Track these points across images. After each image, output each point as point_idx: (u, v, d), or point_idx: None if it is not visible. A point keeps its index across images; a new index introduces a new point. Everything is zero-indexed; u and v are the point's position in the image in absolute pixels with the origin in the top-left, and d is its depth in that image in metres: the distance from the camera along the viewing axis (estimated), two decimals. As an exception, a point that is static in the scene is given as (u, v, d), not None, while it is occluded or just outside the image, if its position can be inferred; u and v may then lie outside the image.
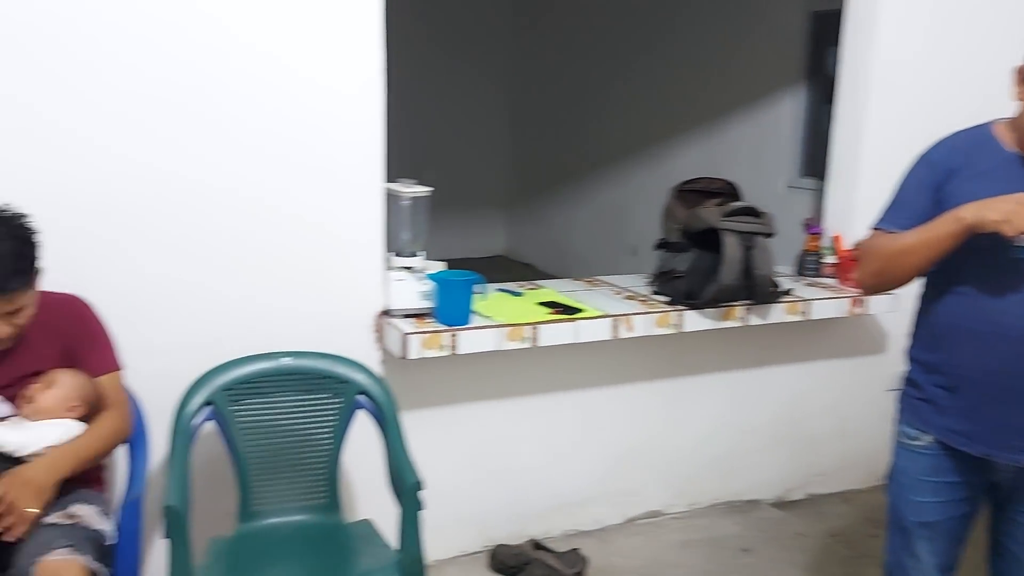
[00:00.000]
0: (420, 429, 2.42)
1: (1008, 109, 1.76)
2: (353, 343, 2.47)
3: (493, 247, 7.41)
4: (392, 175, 2.54)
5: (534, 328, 2.54)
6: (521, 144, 7.19)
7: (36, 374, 1.89)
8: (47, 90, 2.11)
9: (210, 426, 2.20)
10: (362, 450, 2.36)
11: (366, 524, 2.26)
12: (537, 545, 2.79)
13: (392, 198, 2.53)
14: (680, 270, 2.81)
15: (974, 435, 1.76)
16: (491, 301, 2.67)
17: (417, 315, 2.52)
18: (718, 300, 2.72)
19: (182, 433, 2.09)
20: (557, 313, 2.64)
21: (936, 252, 1.68)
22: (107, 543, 1.87)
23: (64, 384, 1.88)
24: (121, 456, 2.10)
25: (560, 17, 6.50)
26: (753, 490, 3.30)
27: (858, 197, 3.15)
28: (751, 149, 4.75)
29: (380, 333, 2.54)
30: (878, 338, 3.37)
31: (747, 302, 2.79)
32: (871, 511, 3.28)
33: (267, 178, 2.36)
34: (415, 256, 2.55)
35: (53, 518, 1.79)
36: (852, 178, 3.18)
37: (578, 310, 2.67)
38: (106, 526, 1.89)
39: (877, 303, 3.02)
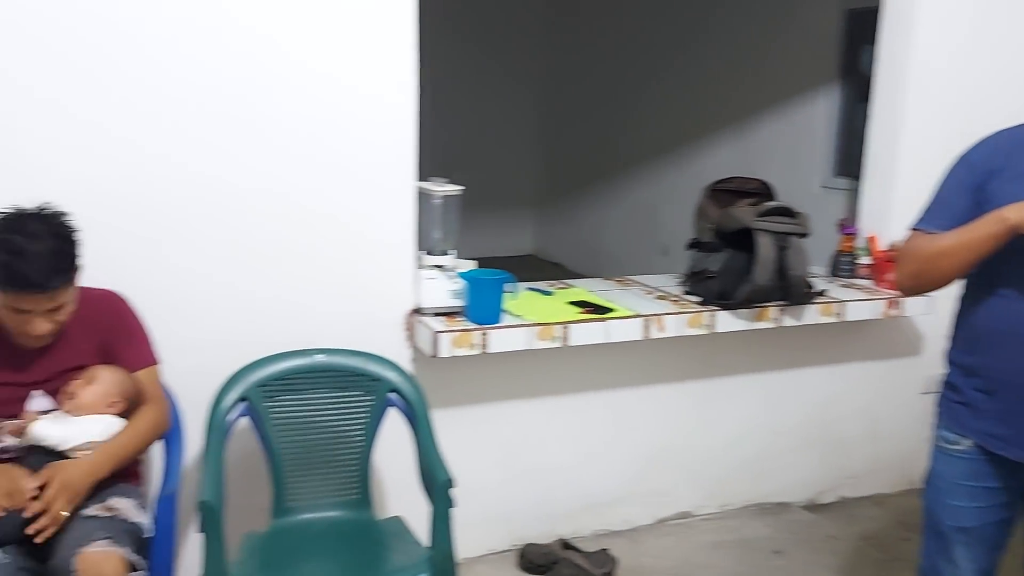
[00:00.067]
0: (450, 427, 2.43)
1: (1051, 108, 1.73)
2: (384, 341, 2.49)
3: (522, 246, 7.41)
4: (423, 174, 2.55)
5: (565, 328, 2.54)
6: (551, 143, 7.19)
7: (75, 369, 1.92)
8: (89, 93, 2.15)
9: (244, 422, 2.23)
10: (393, 448, 2.38)
11: (397, 521, 2.27)
12: (566, 545, 2.79)
13: (424, 197, 2.54)
14: (713, 270, 2.80)
15: (1013, 439, 1.73)
16: (522, 300, 2.67)
17: (448, 314, 2.53)
18: (751, 301, 2.70)
19: (217, 429, 2.11)
20: (588, 313, 2.64)
21: (977, 254, 1.66)
22: (144, 536, 1.90)
23: (104, 380, 1.91)
24: (157, 451, 2.13)
25: (592, 16, 6.48)
26: (784, 492, 3.27)
27: (894, 197, 3.12)
28: (784, 148, 4.70)
29: (411, 331, 2.55)
30: (913, 340, 3.33)
31: (781, 303, 2.77)
32: (904, 515, 3.25)
33: (301, 179, 2.38)
34: (446, 255, 2.56)
35: (92, 510, 1.83)
36: (888, 178, 3.14)
37: (609, 310, 2.66)
38: (143, 519, 1.92)
39: (913, 305, 2.98)
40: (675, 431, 3.05)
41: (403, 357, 2.54)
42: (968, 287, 1.82)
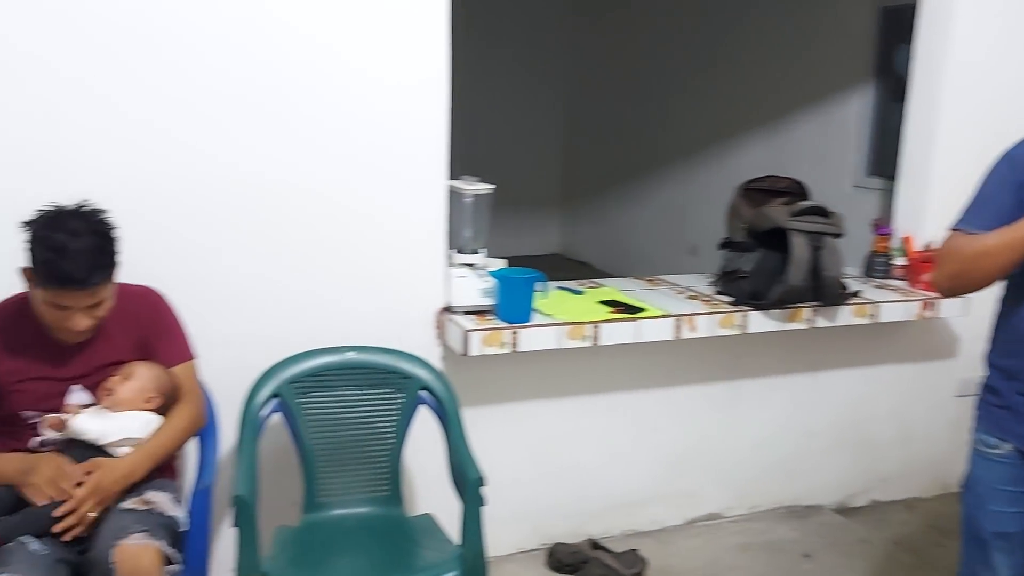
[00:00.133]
0: (479, 426, 2.43)
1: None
2: (414, 339, 2.50)
3: (549, 245, 7.40)
4: (452, 174, 2.55)
5: (595, 327, 2.53)
6: (578, 142, 7.17)
7: (113, 364, 1.95)
8: (133, 88, 2.17)
9: (277, 418, 2.24)
10: (423, 445, 2.39)
11: (428, 518, 2.28)
12: (595, 544, 2.78)
13: (454, 195, 2.54)
14: (745, 270, 2.78)
15: (1055, 444, 1.70)
16: (552, 299, 2.67)
17: (478, 312, 2.53)
18: (784, 301, 2.68)
19: (250, 424, 2.13)
20: (618, 312, 2.63)
21: (1020, 254, 1.63)
22: (179, 529, 1.92)
23: (141, 376, 1.93)
24: (192, 445, 2.15)
25: (619, 15, 6.45)
26: (814, 495, 3.24)
27: (930, 197, 3.08)
28: (816, 148, 4.65)
29: (441, 329, 2.56)
30: (948, 342, 3.29)
31: (814, 304, 2.74)
32: (937, 519, 3.21)
33: (335, 174, 2.40)
34: (476, 253, 2.56)
35: (129, 503, 1.85)
36: (924, 177, 3.10)
37: (640, 309, 2.65)
38: (179, 513, 1.94)
39: (949, 306, 2.94)
40: (704, 432, 3.03)
41: (433, 355, 2.54)
42: (1009, 288, 1.79)
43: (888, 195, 3.40)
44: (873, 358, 3.21)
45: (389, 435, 2.31)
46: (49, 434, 1.88)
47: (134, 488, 1.88)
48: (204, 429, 2.10)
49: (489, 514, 2.08)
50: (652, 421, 2.95)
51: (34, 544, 1.74)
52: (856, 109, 4.39)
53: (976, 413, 1.87)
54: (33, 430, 1.91)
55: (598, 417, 2.87)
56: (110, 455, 1.87)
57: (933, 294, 2.93)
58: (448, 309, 2.54)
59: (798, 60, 4.77)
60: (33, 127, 2.11)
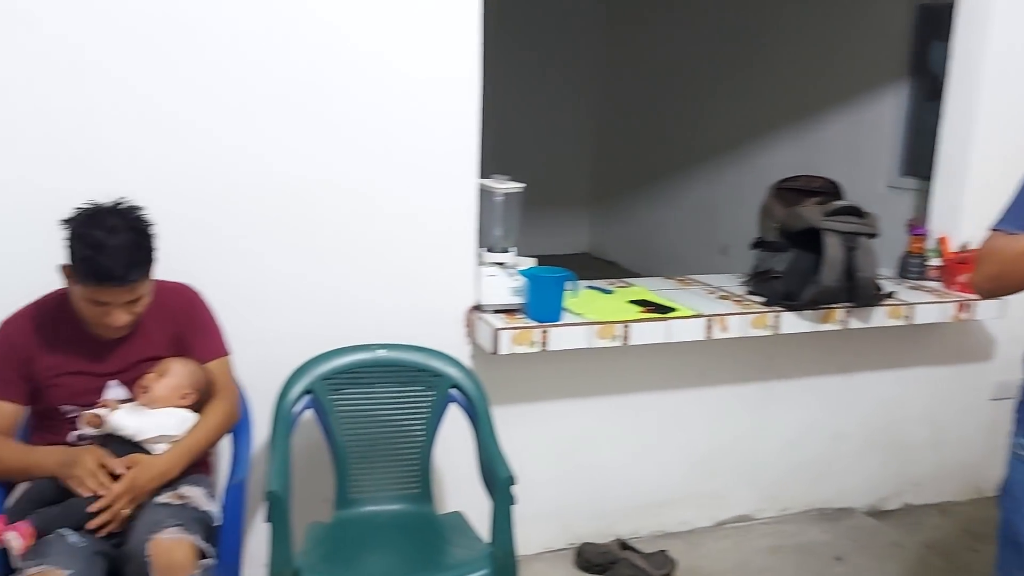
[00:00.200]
0: (508, 424, 2.42)
1: None
2: (444, 337, 2.50)
3: (577, 244, 7.39)
4: (482, 173, 2.55)
5: (626, 327, 2.52)
6: (607, 141, 7.15)
7: (150, 359, 1.97)
8: (174, 85, 2.20)
9: (309, 414, 2.26)
10: (453, 443, 2.39)
11: (458, 516, 2.29)
12: (624, 545, 2.77)
13: (485, 194, 2.55)
14: (778, 270, 2.75)
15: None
16: (582, 298, 2.66)
17: (508, 311, 2.53)
18: (817, 302, 2.66)
19: (283, 420, 2.15)
20: (649, 312, 2.62)
21: (1063, 256, 1.60)
22: (213, 524, 1.94)
23: (176, 373, 1.95)
24: (225, 441, 2.17)
25: (651, 14, 6.42)
26: (846, 497, 3.21)
27: (966, 197, 3.04)
28: (849, 147, 4.61)
29: (471, 328, 2.56)
30: (984, 345, 3.24)
31: (848, 305, 2.71)
32: (971, 524, 3.17)
33: (370, 173, 2.41)
34: (507, 252, 2.56)
35: (164, 498, 1.87)
36: (960, 177, 3.06)
37: (671, 309, 2.64)
38: (212, 508, 1.96)
39: (985, 308, 2.90)
40: (734, 433, 3.01)
41: (463, 353, 2.55)
42: (1051, 290, 1.75)
43: (922, 195, 3.36)
44: (907, 360, 3.17)
45: (419, 433, 2.32)
46: (87, 430, 1.90)
47: (169, 483, 1.90)
48: (238, 425, 2.12)
49: (518, 513, 2.07)
50: (682, 421, 2.94)
51: (72, 536, 1.77)
52: (890, 108, 4.34)
53: (1015, 416, 1.83)
54: (71, 424, 1.94)
55: (628, 417, 2.86)
56: (146, 451, 1.89)
57: (969, 295, 2.89)
58: (478, 307, 2.55)
59: (832, 58, 4.72)
60: (73, 125, 2.14)
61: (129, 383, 1.95)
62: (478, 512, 2.22)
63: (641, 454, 2.91)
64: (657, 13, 6.34)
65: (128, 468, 1.82)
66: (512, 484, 2.06)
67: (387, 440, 2.31)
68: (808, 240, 2.66)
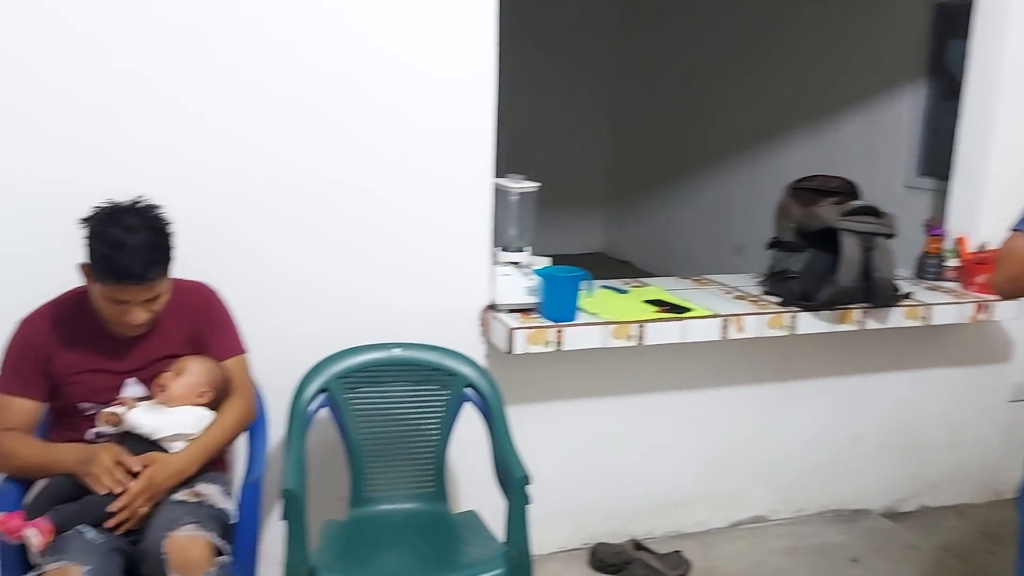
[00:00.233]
0: (523, 424, 2.42)
1: None
2: (459, 336, 2.50)
3: (591, 244, 7.38)
4: (496, 172, 2.55)
5: (641, 326, 2.52)
6: (621, 141, 7.14)
7: (168, 357, 1.98)
8: (191, 84, 2.21)
9: (324, 412, 2.27)
10: (467, 442, 2.39)
11: (472, 515, 2.29)
12: (638, 545, 2.77)
13: (500, 193, 2.55)
14: (794, 270, 2.74)
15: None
16: (596, 298, 2.66)
17: (523, 310, 2.53)
18: (834, 302, 2.64)
19: (299, 418, 2.16)
20: (664, 312, 2.61)
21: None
22: (229, 522, 1.94)
23: (193, 372, 1.96)
24: (241, 438, 2.18)
25: (667, 13, 6.40)
26: (862, 499, 3.20)
27: (985, 197, 3.02)
28: (865, 147, 4.58)
29: (486, 327, 2.56)
30: (1002, 346, 3.21)
31: (865, 305, 2.70)
32: (988, 526, 3.15)
33: (385, 172, 2.41)
34: (521, 251, 2.56)
35: (181, 495, 1.88)
36: (979, 177, 3.03)
37: (686, 309, 2.63)
38: (229, 505, 1.96)
39: (1003, 309, 2.88)
40: (749, 433, 3.00)
41: (477, 353, 2.55)
42: (1072, 291, 1.74)
43: (939, 195, 3.33)
44: (924, 361, 3.15)
45: (434, 431, 2.32)
46: (105, 428, 1.91)
47: (186, 481, 1.91)
48: (254, 423, 2.13)
49: (532, 512, 2.07)
50: (697, 422, 2.93)
51: (90, 533, 1.78)
52: (907, 107, 4.31)
53: (1036, 419, 1.82)
54: (89, 421, 1.95)
55: (642, 417, 2.86)
56: (164, 449, 1.90)
57: (987, 296, 2.87)
58: (493, 307, 2.55)
59: (848, 58, 4.69)
60: (93, 123, 2.15)
61: (147, 381, 1.96)
62: (492, 511, 2.22)
63: (656, 454, 2.90)
64: (673, 13, 6.32)
65: (145, 467, 1.83)
66: (527, 484, 2.06)
67: (402, 439, 2.32)
68: (825, 240, 2.64)
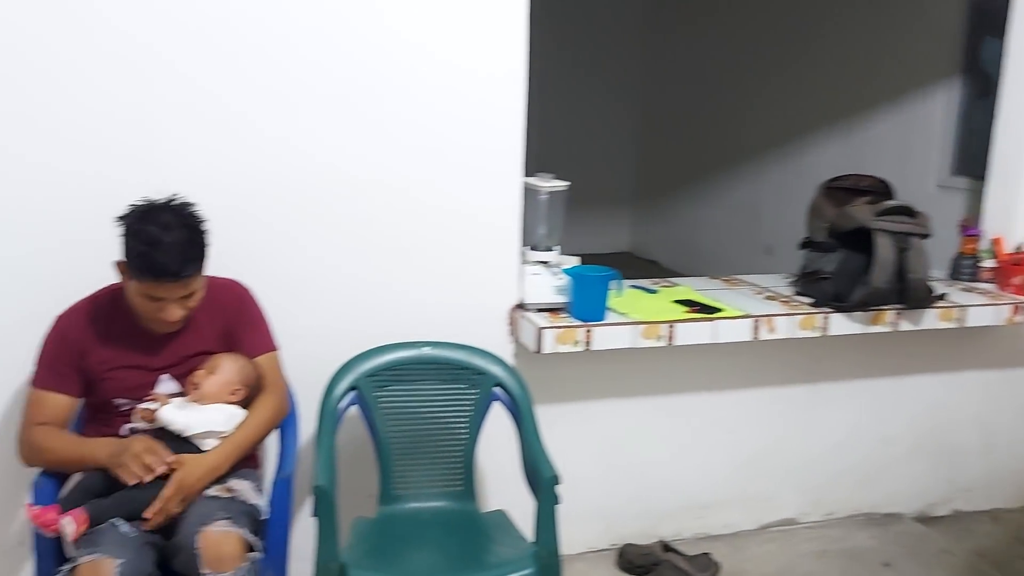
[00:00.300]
0: (552, 423, 2.42)
1: None
2: (487, 335, 2.50)
3: (618, 243, 7.35)
4: (527, 172, 2.55)
5: (671, 327, 2.50)
6: (650, 140, 7.10)
7: (201, 354, 2.00)
8: (229, 82, 2.22)
9: (354, 410, 2.28)
10: (496, 441, 2.39)
11: (501, 514, 2.29)
12: (666, 547, 2.75)
13: (529, 192, 2.54)
14: (827, 271, 2.71)
15: None
16: (626, 298, 2.64)
17: (552, 310, 2.52)
18: (868, 303, 2.61)
19: (329, 416, 2.17)
20: (694, 312, 2.59)
21: None
22: (261, 518, 1.96)
23: (226, 370, 1.98)
24: (273, 435, 2.19)
25: (696, 12, 6.37)
26: (894, 503, 3.16)
27: (1022, 197, 2.97)
28: (897, 146, 4.52)
29: (514, 326, 2.56)
30: (1038, 349, 3.17)
31: (898, 306, 2.66)
32: (1022, 531, 3.10)
33: (417, 171, 2.42)
34: (550, 250, 2.56)
35: (213, 491, 1.90)
36: (1015, 177, 2.99)
37: (717, 309, 2.61)
38: (260, 501, 1.98)
39: (1041, 311, 2.83)
40: (780, 435, 2.97)
41: (506, 352, 2.54)
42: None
43: (973, 195, 3.29)
44: (956, 364, 3.10)
45: (463, 430, 2.32)
46: (140, 424, 1.93)
47: (218, 477, 1.92)
48: (285, 420, 2.14)
49: (561, 512, 2.07)
50: (727, 423, 2.91)
51: (124, 526, 1.80)
52: (941, 105, 4.24)
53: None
54: (124, 417, 1.97)
55: (672, 418, 2.84)
56: (196, 446, 1.92)
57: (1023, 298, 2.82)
58: (522, 306, 2.54)
59: (880, 56, 4.63)
60: (128, 119, 2.17)
61: (181, 377, 1.98)
62: (521, 511, 2.22)
63: (685, 455, 2.88)
64: (703, 11, 6.28)
65: (174, 469, 1.84)
66: (556, 483, 2.05)
67: (431, 437, 2.32)
68: (858, 240, 2.61)
